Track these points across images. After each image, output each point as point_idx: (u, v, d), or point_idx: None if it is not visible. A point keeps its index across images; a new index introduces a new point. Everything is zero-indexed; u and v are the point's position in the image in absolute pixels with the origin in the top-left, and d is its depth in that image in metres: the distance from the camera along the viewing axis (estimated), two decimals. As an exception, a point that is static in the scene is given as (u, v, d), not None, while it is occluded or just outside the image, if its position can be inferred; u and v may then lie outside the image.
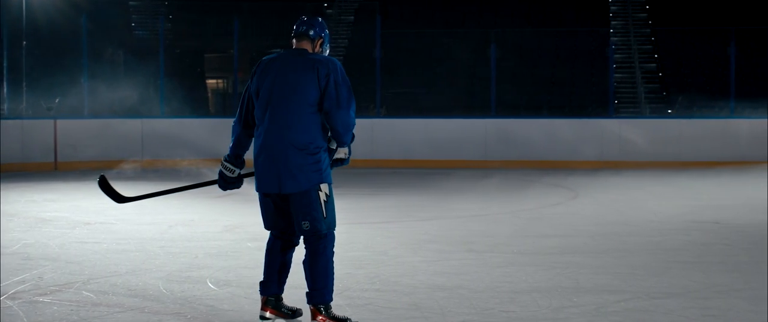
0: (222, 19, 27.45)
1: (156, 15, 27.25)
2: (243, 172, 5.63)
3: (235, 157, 5.53)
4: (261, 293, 5.57)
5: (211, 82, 31.17)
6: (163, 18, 21.09)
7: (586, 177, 16.26)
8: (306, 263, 5.36)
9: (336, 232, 5.49)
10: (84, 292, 6.51)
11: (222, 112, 27.86)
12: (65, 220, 10.50)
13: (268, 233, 5.65)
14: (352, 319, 5.52)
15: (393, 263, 7.65)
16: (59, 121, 18.52)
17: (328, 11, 30.43)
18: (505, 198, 13.08)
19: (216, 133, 19.30)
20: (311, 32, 5.44)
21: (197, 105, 27.70)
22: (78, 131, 18.53)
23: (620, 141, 18.96)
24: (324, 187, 5.29)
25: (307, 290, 5.39)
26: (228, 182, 5.57)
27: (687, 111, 24.24)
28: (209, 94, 31.09)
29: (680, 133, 19.15)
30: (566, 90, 27.12)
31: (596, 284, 6.81)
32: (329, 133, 5.39)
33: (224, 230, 9.72)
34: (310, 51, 5.42)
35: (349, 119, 5.29)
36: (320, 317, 5.36)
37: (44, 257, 7.92)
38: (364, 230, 9.75)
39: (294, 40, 5.49)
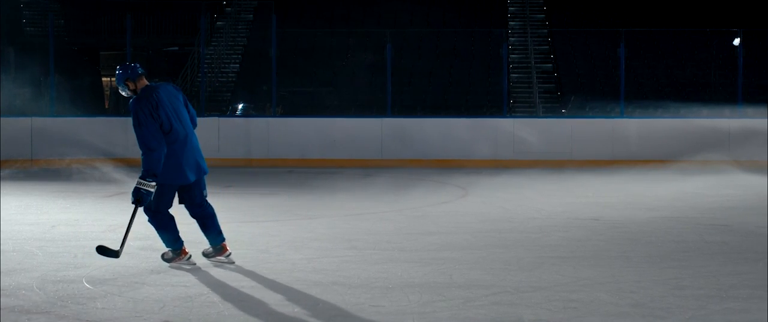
0: (116, 16, 27.09)
1: (47, 12, 26.76)
2: None
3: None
4: (178, 248, 7.52)
5: (106, 80, 30.75)
6: (52, 15, 20.67)
7: (478, 176, 16.51)
8: (207, 219, 7.56)
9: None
10: (-46, 292, 6.44)
11: (116, 111, 27.49)
12: (-55, 220, 10.29)
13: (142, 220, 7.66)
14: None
15: (274, 261, 7.72)
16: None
17: (227, 9, 30.24)
18: (394, 196, 13.15)
19: (109, 131, 19.05)
20: (145, 71, 7.59)
21: (94, 103, 27.30)
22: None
23: (514, 140, 19.28)
24: None
25: (213, 236, 7.57)
26: (150, 197, 7.23)
27: (579, 111, 24.77)
28: (106, 92, 30.68)
29: (572, 132, 19.53)
30: (463, 90, 27.45)
31: (468, 279, 6.97)
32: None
33: (108, 229, 9.65)
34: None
35: None
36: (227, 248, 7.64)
37: None
38: (250, 228, 9.79)
39: (142, 78, 7.44)
